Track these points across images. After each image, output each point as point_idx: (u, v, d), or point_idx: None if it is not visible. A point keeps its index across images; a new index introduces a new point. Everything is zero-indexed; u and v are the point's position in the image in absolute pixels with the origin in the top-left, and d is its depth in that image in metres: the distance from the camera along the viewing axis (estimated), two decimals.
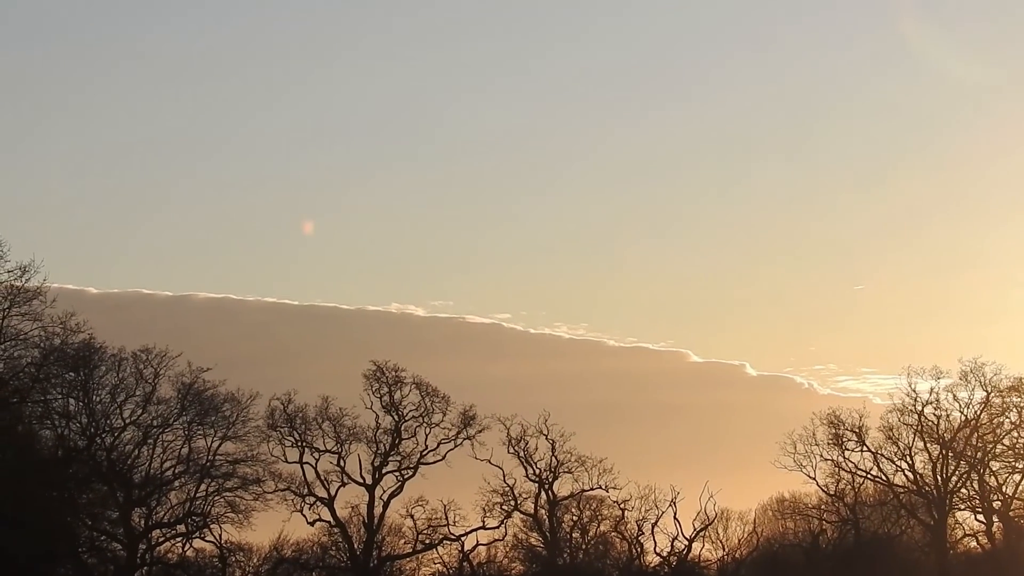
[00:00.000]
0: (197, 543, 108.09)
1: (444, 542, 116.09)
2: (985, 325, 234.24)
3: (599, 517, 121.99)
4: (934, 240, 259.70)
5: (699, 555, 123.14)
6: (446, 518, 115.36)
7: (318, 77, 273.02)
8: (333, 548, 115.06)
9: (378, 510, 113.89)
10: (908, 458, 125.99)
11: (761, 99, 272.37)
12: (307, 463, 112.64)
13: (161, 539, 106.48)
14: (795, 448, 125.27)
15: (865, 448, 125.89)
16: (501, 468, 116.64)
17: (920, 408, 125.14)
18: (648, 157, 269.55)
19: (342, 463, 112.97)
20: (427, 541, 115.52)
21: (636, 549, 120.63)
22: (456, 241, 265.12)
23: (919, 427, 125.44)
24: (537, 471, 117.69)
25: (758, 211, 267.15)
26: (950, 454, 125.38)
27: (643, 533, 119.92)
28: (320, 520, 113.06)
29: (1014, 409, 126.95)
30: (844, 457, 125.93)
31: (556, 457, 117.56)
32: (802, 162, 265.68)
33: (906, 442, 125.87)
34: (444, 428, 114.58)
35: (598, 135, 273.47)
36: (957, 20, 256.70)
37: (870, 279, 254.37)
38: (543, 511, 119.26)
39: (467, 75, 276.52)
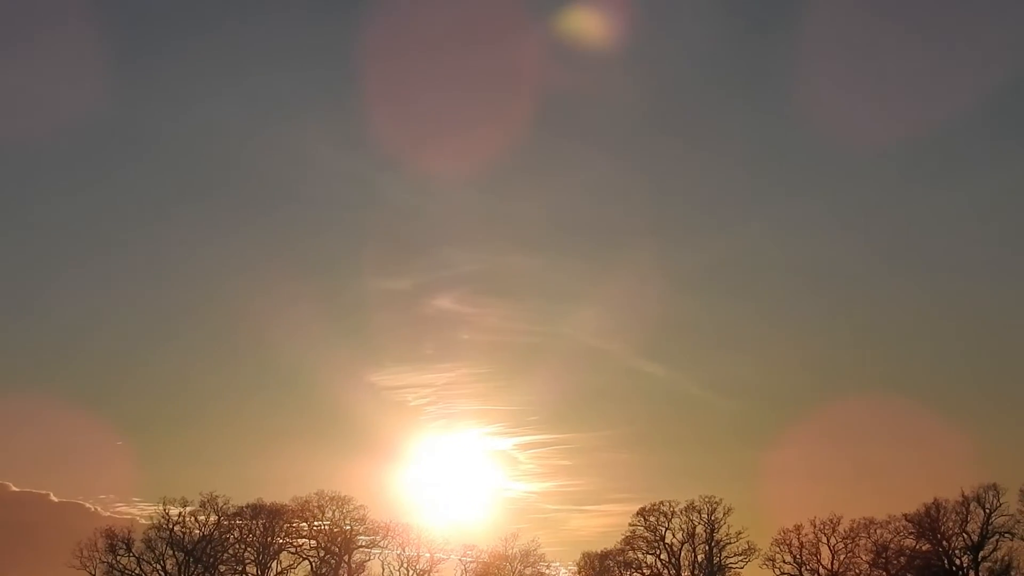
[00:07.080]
0: None
1: None
2: (217, 465, 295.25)
3: None
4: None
5: None
6: None
7: None
8: None
9: None
10: (162, 562, 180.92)
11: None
12: None
13: None
14: (82, 554, 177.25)
15: (131, 554, 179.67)
16: None
17: (171, 526, 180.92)
18: None
19: None
20: None
21: None
22: None
23: (170, 539, 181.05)
24: None
25: None
26: (192, 559, 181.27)
27: None
28: None
29: (236, 529, 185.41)
30: (116, 560, 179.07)
31: None
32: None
33: (161, 550, 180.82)
34: None
35: None
36: None
37: (131, 433, 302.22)
38: None
39: None
